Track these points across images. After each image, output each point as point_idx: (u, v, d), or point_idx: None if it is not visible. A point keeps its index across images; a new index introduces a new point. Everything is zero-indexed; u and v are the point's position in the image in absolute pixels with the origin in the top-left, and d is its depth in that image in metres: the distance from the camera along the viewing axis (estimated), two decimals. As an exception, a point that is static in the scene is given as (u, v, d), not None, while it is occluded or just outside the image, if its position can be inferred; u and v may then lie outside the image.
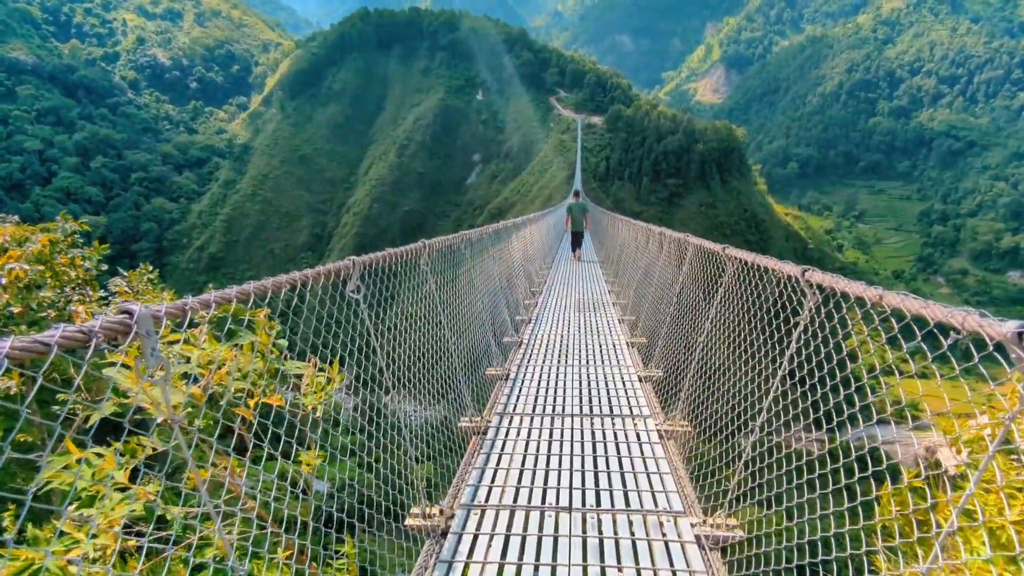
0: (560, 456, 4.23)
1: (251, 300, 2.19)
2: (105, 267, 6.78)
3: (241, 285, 2.17)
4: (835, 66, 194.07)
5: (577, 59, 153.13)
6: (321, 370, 2.71)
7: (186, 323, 1.81)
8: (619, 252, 13.49)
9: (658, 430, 4.71)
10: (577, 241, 17.72)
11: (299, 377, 2.63)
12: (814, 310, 2.79)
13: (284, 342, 2.68)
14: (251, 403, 2.48)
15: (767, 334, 3.38)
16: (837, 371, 2.56)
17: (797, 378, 2.89)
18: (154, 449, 1.95)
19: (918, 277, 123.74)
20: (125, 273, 6.78)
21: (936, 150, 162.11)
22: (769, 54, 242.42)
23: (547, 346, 7.61)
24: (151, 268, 7.20)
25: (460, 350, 5.20)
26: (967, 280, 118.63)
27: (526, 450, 4.34)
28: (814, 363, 2.75)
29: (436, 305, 4.67)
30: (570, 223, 17.66)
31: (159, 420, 2.05)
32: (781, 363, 3.03)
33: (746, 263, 3.78)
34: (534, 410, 5.22)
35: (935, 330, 1.83)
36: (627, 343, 7.75)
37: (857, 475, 2.24)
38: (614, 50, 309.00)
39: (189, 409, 2.29)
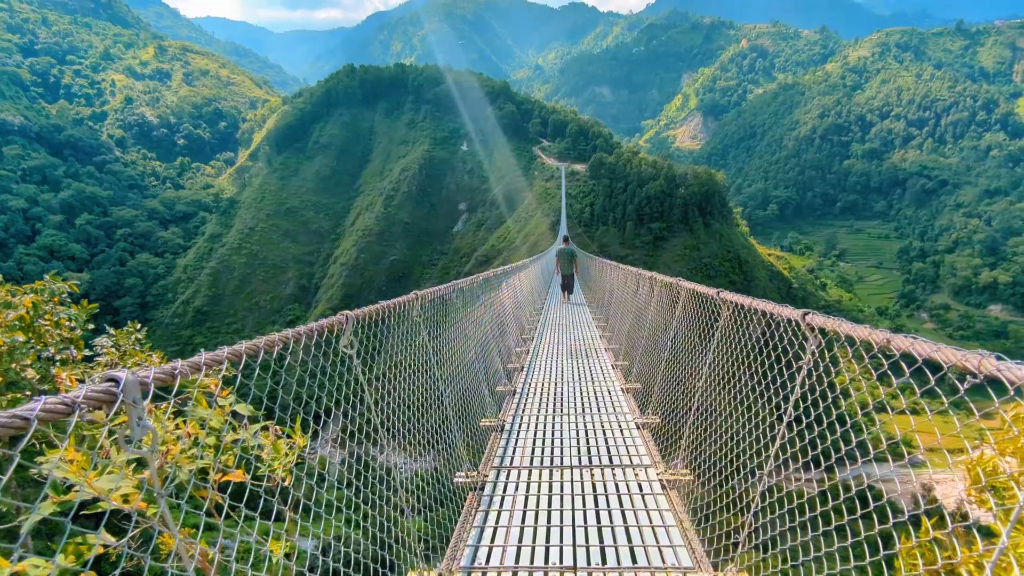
0: (561, 511, 4.08)
1: (242, 361, 2.10)
2: (91, 327, 6.61)
3: (233, 345, 2.10)
4: (808, 111, 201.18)
5: (559, 109, 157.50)
6: (286, 435, 2.53)
7: (175, 390, 1.72)
8: (608, 296, 13.51)
9: (660, 480, 4.59)
10: (567, 284, 18.43)
11: (262, 447, 2.46)
12: (817, 354, 2.75)
13: (247, 407, 2.52)
14: (214, 479, 2.32)
15: (768, 379, 3.32)
16: (847, 417, 2.50)
17: (804, 424, 2.82)
18: (105, 546, 1.78)
19: (902, 313, 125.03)
20: (112, 332, 6.61)
21: (910, 189, 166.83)
22: (744, 101, 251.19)
23: (541, 394, 7.49)
24: (139, 327, 7.02)
25: (454, 401, 5.09)
26: (949, 315, 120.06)
27: (526, 506, 4.19)
28: (821, 408, 2.69)
29: (429, 356, 4.58)
30: (560, 267, 18.44)
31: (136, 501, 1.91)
32: (786, 408, 2.97)
33: (742, 307, 3.76)
34: (531, 463, 5.07)
35: (949, 374, 1.79)
36: (622, 389, 7.65)
37: (877, 527, 2.15)
38: (594, 100, 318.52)
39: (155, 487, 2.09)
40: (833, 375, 2.65)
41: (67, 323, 5.94)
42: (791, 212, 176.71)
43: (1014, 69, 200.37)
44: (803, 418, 2.81)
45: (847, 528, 2.34)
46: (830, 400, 2.64)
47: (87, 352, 6.19)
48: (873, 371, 2.28)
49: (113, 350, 6.46)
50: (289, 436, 2.57)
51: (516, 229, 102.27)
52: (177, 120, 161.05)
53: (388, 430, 3.45)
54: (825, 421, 2.64)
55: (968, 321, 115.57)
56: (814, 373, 2.77)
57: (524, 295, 14.20)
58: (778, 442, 2.97)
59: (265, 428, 2.62)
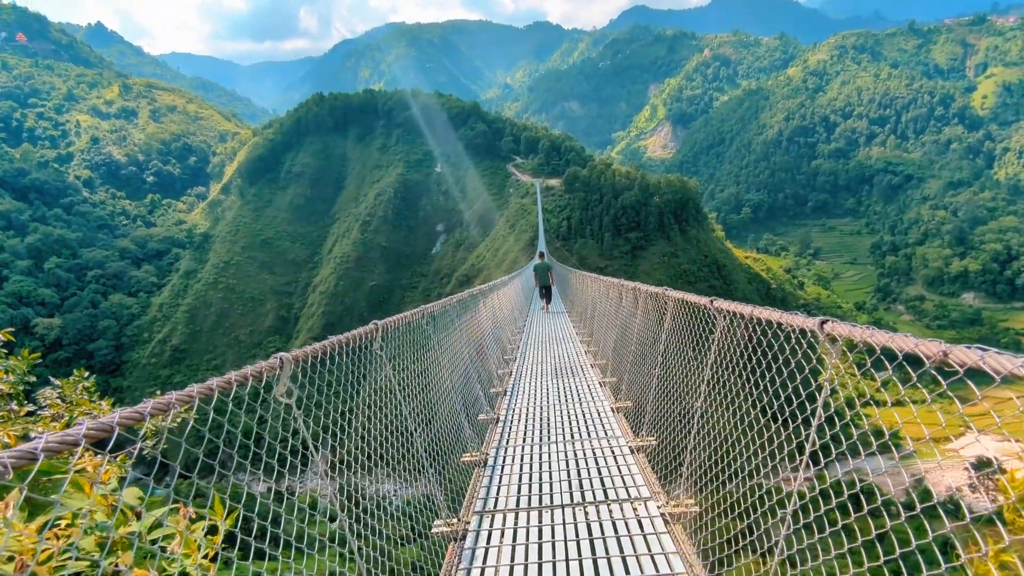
0: (554, 563, 3.55)
1: (143, 420, 1.62)
2: (33, 379, 6.02)
3: (129, 407, 1.65)
4: (773, 115, 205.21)
5: (530, 126, 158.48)
6: (200, 518, 1.99)
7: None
8: (591, 309, 13.08)
9: (662, 514, 4.09)
10: (546, 295, 19.78)
11: (169, 537, 1.93)
12: (843, 370, 2.30)
13: (137, 491, 1.99)
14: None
15: (781, 399, 2.86)
16: (895, 451, 2.04)
17: (832, 456, 2.36)
18: None
19: (879, 307, 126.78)
20: (58, 383, 6.02)
21: (877, 185, 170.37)
22: (711, 109, 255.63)
23: (526, 421, 6.97)
24: (86, 374, 6.43)
25: (427, 440, 4.57)
26: (925, 306, 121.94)
27: (512, 559, 3.66)
28: (855, 438, 2.24)
29: (395, 392, 4.07)
30: (537, 280, 19.71)
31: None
32: (808, 434, 2.51)
33: (741, 316, 3.31)
34: (518, 503, 4.54)
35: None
36: (612, 408, 7.17)
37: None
38: (564, 116, 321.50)
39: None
40: (868, 397, 2.19)
41: (5, 376, 5.35)
42: (764, 214, 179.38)
43: (966, 64, 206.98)
44: (823, 453, 2.35)
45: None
46: (866, 427, 2.19)
47: (30, 407, 5.60)
48: (927, 394, 1.83)
49: (58, 402, 5.87)
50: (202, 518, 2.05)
51: (495, 247, 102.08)
52: (146, 157, 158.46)
53: (342, 489, 2.92)
54: (851, 461, 2.18)
55: (943, 311, 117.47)
56: (840, 393, 2.33)
57: (504, 314, 13.73)
58: (800, 477, 2.50)
59: (174, 511, 2.10)
